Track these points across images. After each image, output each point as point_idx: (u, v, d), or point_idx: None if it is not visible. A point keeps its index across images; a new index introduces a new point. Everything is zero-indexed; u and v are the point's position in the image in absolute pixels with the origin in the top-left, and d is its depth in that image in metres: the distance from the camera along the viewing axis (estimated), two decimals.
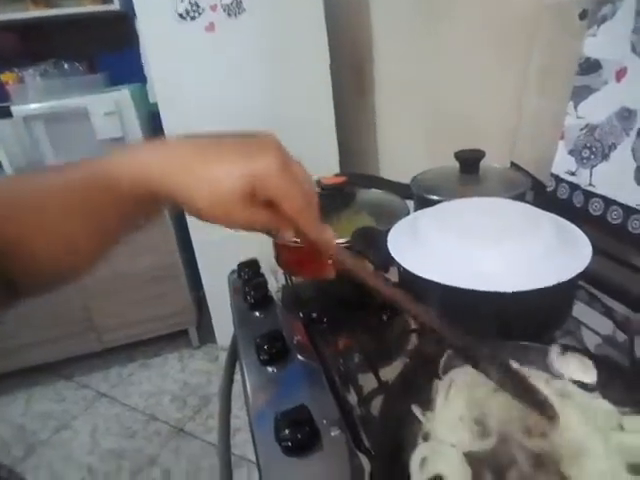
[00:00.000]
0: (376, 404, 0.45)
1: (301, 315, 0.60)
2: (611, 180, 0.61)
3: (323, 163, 1.57)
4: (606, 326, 0.51)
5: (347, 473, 0.37)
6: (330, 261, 0.38)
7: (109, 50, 1.95)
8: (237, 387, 0.62)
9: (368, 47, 1.54)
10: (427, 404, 0.36)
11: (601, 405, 0.33)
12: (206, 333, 1.94)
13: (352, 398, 0.47)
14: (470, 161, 0.70)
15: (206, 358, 1.90)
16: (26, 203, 0.32)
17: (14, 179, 0.34)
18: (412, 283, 0.48)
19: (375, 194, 0.74)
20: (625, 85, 0.60)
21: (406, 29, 1.30)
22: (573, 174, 0.68)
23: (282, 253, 0.66)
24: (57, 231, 0.32)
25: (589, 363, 0.37)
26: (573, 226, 0.50)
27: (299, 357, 0.52)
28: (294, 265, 0.65)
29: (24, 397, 1.78)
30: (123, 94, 1.57)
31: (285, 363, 0.52)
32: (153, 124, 1.72)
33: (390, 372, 0.48)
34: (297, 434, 0.39)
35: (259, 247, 0.69)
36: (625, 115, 0.59)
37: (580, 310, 0.51)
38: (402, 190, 0.73)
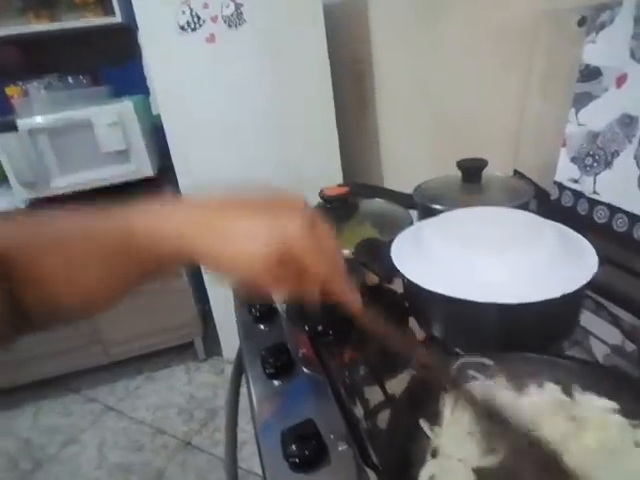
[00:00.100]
0: (383, 417, 0.45)
1: (306, 328, 0.59)
2: (615, 187, 0.61)
3: (325, 173, 1.58)
4: (614, 336, 0.51)
5: None
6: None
7: (112, 63, 1.98)
8: (243, 400, 0.62)
9: (368, 57, 1.55)
10: (435, 418, 0.36)
11: (613, 419, 0.32)
12: (212, 346, 1.93)
13: (358, 411, 0.46)
14: (473, 170, 0.70)
15: (212, 371, 1.89)
16: (48, 245, 0.32)
17: (35, 219, 0.34)
18: (416, 294, 0.48)
19: (378, 204, 0.74)
20: (625, 91, 0.60)
21: (406, 38, 1.31)
22: (576, 182, 0.67)
23: None
24: (75, 275, 0.32)
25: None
26: (578, 235, 0.50)
27: (305, 370, 0.52)
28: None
29: (32, 410, 1.78)
30: (126, 105, 1.58)
31: (291, 376, 0.51)
32: (156, 136, 1.74)
33: (396, 385, 0.47)
34: (304, 450, 0.39)
35: None
36: (626, 122, 0.59)
37: (587, 319, 0.50)
38: (405, 200, 0.73)
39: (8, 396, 1.77)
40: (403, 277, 0.49)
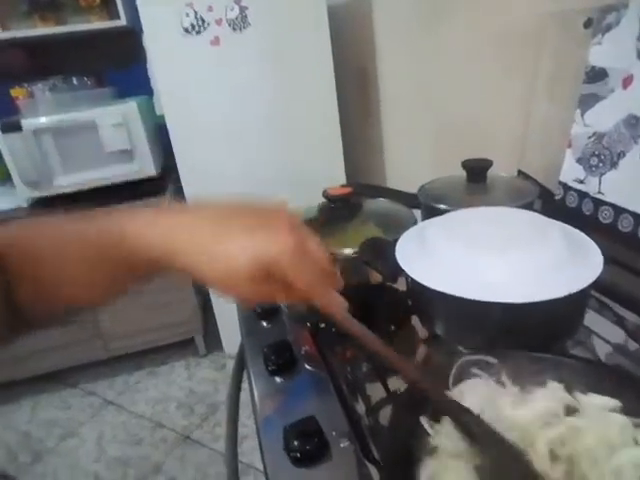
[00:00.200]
0: (384, 414, 0.45)
1: (308, 325, 0.60)
2: (621, 188, 0.61)
3: (329, 174, 1.58)
4: (617, 335, 0.51)
5: None
6: (338, 274, 0.38)
7: (116, 65, 1.98)
8: (244, 395, 0.62)
9: (372, 60, 1.55)
10: (437, 416, 0.36)
11: (614, 418, 0.32)
12: (213, 341, 1.94)
13: (360, 408, 0.47)
14: (477, 170, 0.70)
15: (213, 366, 1.89)
16: (46, 246, 0.33)
17: (35, 221, 0.35)
18: (421, 294, 0.48)
19: (382, 204, 0.74)
20: (632, 92, 0.60)
21: (410, 41, 1.31)
22: (582, 182, 0.67)
23: None
24: (70, 274, 0.33)
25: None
26: (583, 235, 0.50)
27: (307, 367, 0.52)
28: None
29: (30, 405, 1.78)
30: (130, 106, 1.59)
31: (293, 373, 0.52)
32: (160, 136, 1.74)
33: (398, 381, 0.47)
34: (306, 445, 0.39)
35: None
36: (632, 122, 0.59)
37: (591, 319, 0.50)
38: (409, 200, 0.73)
39: (6, 390, 1.78)
40: (407, 276, 0.49)
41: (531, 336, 0.42)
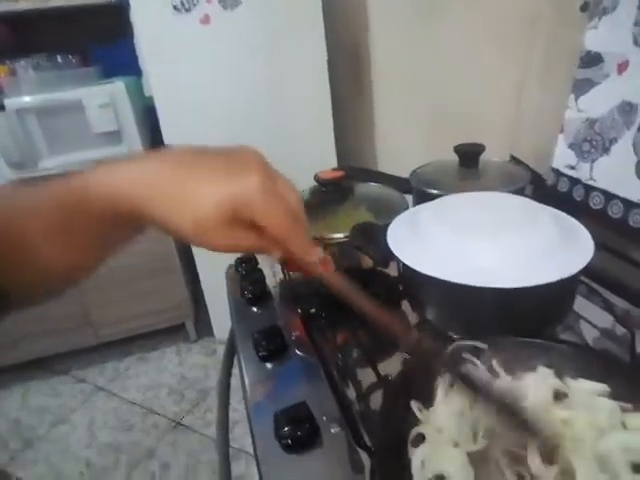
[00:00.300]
0: (375, 399, 0.45)
1: (299, 310, 0.59)
2: (612, 174, 0.61)
3: (320, 157, 1.56)
4: (605, 320, 0.51)
5: (347, 469, 0.37)
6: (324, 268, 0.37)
7: (103, 42, 1.92)
8: (235, 380, 0.62)
9: (365, 40, 1.53)
10: (428, 400, 0.36)
11: (603, 403, 0.33)
12: (203, 327, 1.93)
13: (351, 393, 0.47)
14: (470, 155, 0.69)
15: (203, 352, 1.90)
16: (8, 220, 0.31)
17: (12, 189, 0.34)
18: (412, 279, 0.48)
19: (374, 188, 0.73)
20: (627, 78, 0.60)
21: (404, 22, 1.29)
22: (573, 168, 0.67)
23: None
24: (51, 239, 0.32)
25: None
26: (574, 220, 0.50)
27: (297, 352, 0.52)
28: (292, 260, 0.64)
29: (20, 391, 1.78)
30: (118, 86, 1.55)
31: (283, 359, 0.51)
32: (149, 118, 1.70)
33: (389, 366, 0.47)
34: (297, 431, 0.39)
35: None
36: (626, 109, 0.59)
37: (579, 304, 0.51)
38: (401, 184, 0.72)
39: None
40: (398, 261, 0.48)
41: (522, 321, 0.42)
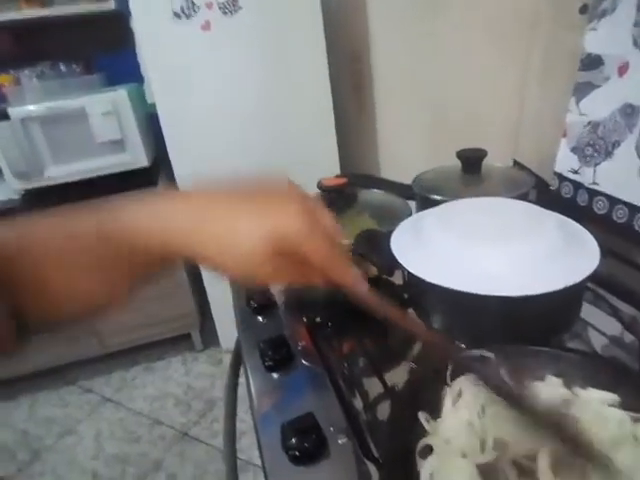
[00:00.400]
0: (382, 409, 0.45)
1: (305, 319, 0.59)
2: (615, 178, 0.61)
3: (323, 164, 1.56)
4: (613, 327, 0.51)
5: None
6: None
7: (105, 50, 1.94)
8: (242, 390, 0.62)
9: (366, 44, 1.53)
10: (435, 411, 0.36)
11: (612, 412, 0.32)
12: (209, 336, 1.93)
13: (358, 403, 0.46)
14: (472, 160, 0.69)
15: (210, 361, 1.89)
16: (44, 249, 0.31)
17: (34, 222, 0.33)
18: (417, 286, 0.48)
19: (377, 195, 0.73)
20: (628, 80, 0.60)
21: (405, 26, 1.29)
22: (576, 172, 0.67)
23: None
24: (75, 278, 0.31)
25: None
26: (578, 226, 0.50)
27: (304, 362, 0.52)
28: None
29: (28, 402, 1.78)
30: (120, 94, 1.56)
31: (290, 369, 0.51)
32: (151, 125, 1.71)
33: (395, 376, 0.47)
34: (304, 443, 0.39)
35: None
36: (628, 111, 0.59)
37: (586, 311, 0.50)
38: (404, 190, 0.72)
39: (4, 388, 1.77)
40: (403, 269, 0.48)
41: (528, 329, 0.41)
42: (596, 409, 0.33)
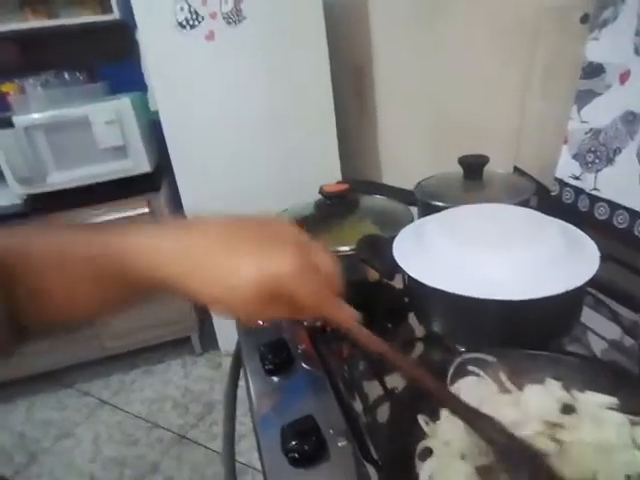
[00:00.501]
0: (382, 412, 0.45)
1: (305, 323, 0.59)
2: (616, 184, 0.61)
3: (325, 170, 1.57)
4: (613, 331, 0.51)
5: None
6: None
7: (109, 60, 1.96)
8: (241, 393, 0.62)
9: (368, 52, 1.54)
10: (435, 414, 0.36)
11: (611, 416, 0.32)
12: (208, 340, 1.93)
13: (358, 406, 0.46)
14: (474, 166, 0.69)
15: (209, 365, 1.89)
16: (46, 259, 0.32)
17: (31, 231, 0.35)
18: (418, 291, 0.48)
19: (379, 201, 0.74)
20: (629, 88, 0.60)
21: (406, 33, 1.30)
22: (577, 178, 0.67)
23: None
24: (74, 290, 0.33)
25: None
26: (579, 231, 0.50)
27: (304, 366, 0.52)
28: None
29: (25, 405, 1.77)
30: (124, 102, 1.57)
31: (290, 372, 0.51)
32: (154, 132, 1.73)
33: (395, 379, 0.47)
34: (304, 445, 0.39)
35: None
36: (629, 119, 0.59)
37: (586, 315, 0.50)
38: (406, 197, 0.73)
39: (1, 391, 1.76)
40: (404, 273, 0.48)
41: (529, 333, 0.42)
42: (595, 412, 0.33)
